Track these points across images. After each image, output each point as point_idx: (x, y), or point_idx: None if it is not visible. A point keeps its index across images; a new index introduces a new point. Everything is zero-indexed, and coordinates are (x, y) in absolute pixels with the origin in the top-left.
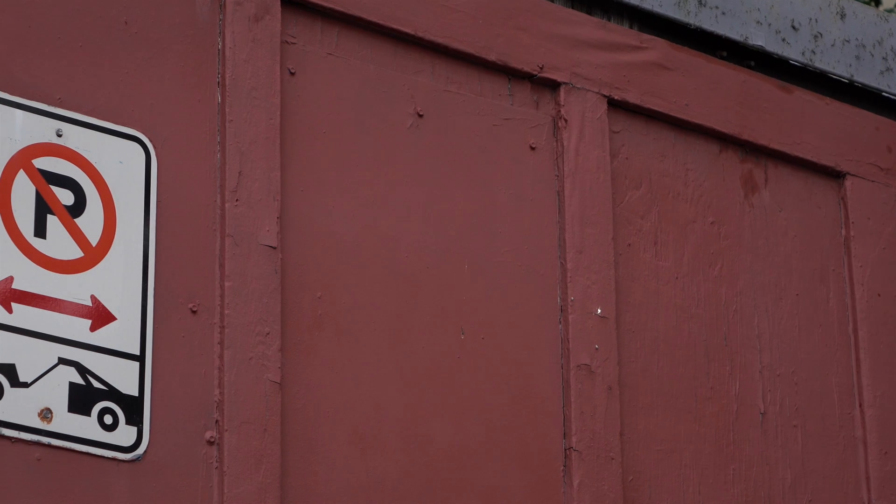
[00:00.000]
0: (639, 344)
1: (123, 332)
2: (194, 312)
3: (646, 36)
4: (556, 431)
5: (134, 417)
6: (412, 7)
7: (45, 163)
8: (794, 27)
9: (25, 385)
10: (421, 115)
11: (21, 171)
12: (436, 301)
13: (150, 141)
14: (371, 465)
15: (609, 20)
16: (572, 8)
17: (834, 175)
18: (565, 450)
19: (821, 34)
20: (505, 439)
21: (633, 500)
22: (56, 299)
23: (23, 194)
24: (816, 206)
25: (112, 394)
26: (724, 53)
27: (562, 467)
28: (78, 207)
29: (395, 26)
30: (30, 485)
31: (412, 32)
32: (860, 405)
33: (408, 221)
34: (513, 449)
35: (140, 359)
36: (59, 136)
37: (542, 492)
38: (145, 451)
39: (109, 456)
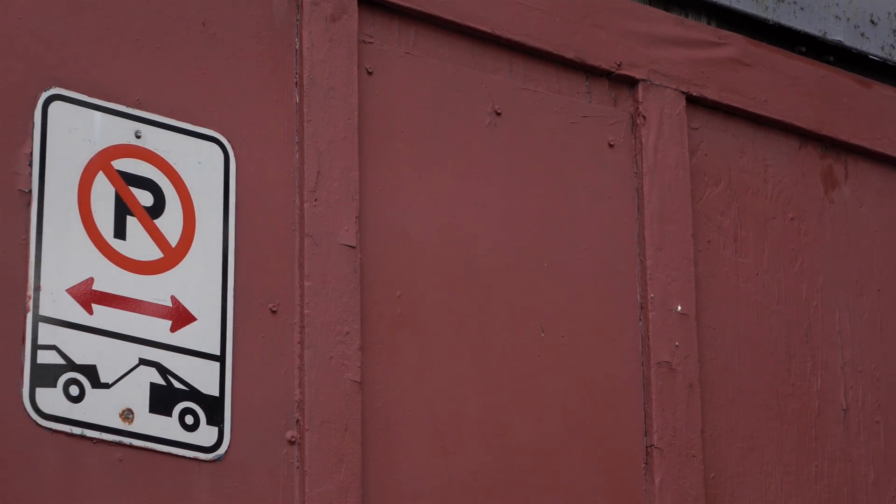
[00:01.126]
0: (719, 341)
1: (204, 333)
2: (274, 312)
3: (724, 32)
4: (637, 429)
5: (215, 417)
6: (489, 5)
7: (124, 164)
8: (872, 21)
9: (107, 386)
10: (499, 114)
11: (100, 172)
12: (515, 299)
13: (229, 141)
14: (451, 464)
15: (687, 17)
16: (650, 5)
17: None
18: (646, 447)
19: None
20: (586, 437)
21: (715, 497)
22: (136, 300)
23: (102, 196)
24: None
25: (193, 394)
26: (803, 49)
27: (643, 465)
28: (157, 208)
29: (472, 25)
30: (112, 485)
31: (489, 31)
32: None
33: (486, 220)
34: (593, 447)
35: (220, 359)
36: (138, 137)
37: (623, 489)
38: (226, 451)
39: (191, 456)
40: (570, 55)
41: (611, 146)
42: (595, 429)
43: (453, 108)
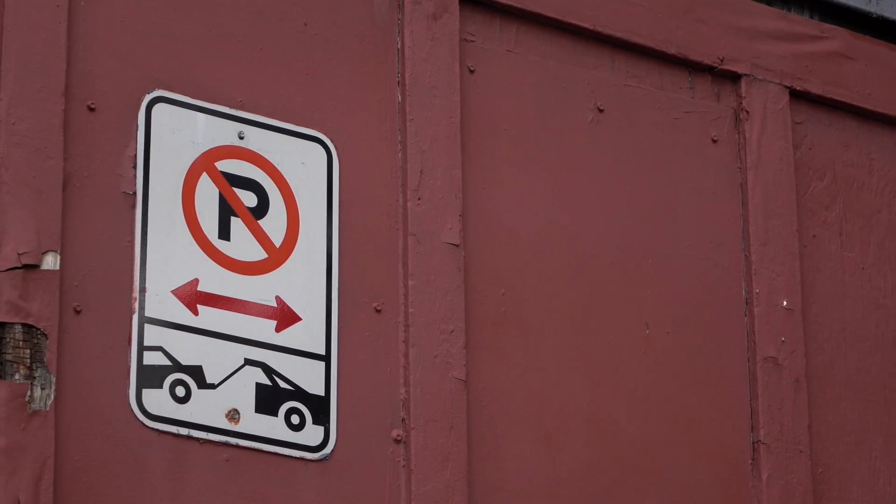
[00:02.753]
0: (825, 335)
1: (309, 333)
2: (379, 311)
3: (826, 25)
4: (744, 425)
5: (321, 417)
6: (591, 2)
7: (227, 165)
8: None
9: (213, 386)
10: (601, 110)
11: (204, 173)
12: (619, 296)
13: (332, 141)
14: (557, 461)
15: (789, 11)
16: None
17: None
18: (753, 443)
19: None
20: (692, 433)
21: (823, 493)
22: (241, 301)
23: (206, 197)
24: None
25: (299, 394)
26: None
27: (750, 461)
28: (261, 209)
29: (574, 21)
30: (218, 485)
31: (591, 27)
32: None
33: (590, 216)
34: (700, 443)
35: (326, 358)
36: (241, 138)
37: (731, 485)
38: (332, 451)
39: (297, 456)
40: (672, 51)
41: (714, 141)
42: (701, 425)
43: (556, 105)
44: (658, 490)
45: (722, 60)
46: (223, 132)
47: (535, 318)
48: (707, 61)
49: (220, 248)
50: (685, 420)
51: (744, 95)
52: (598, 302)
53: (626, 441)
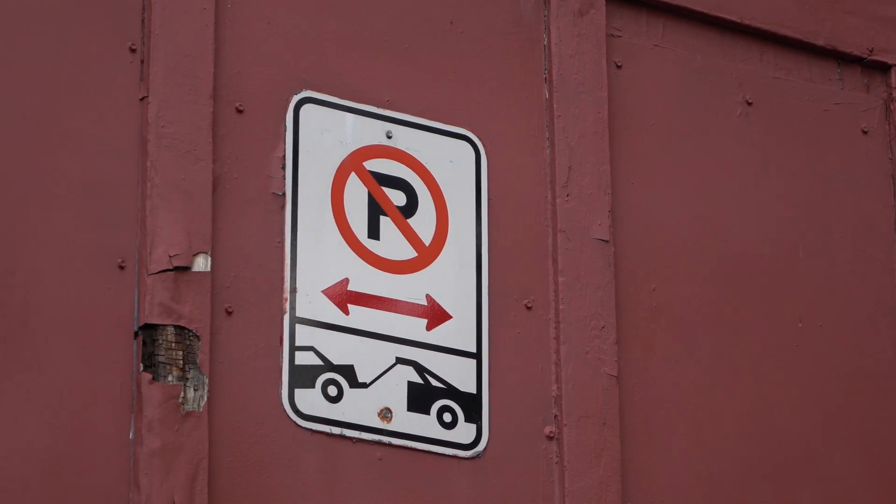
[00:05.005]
0: None
1: (459, 331)
2: (529, 308)
3: None
4: None
5: (473, 415)
6: None
7: (376, 165)
8: None
9: (364, 386)
10: (750, 103)
11: (353, 173)
12: (771, 289)
13: (480, 139)
14: (710, 457)
15: None
16: None
17: None
18: None
19: None
20: (847, 428)
21: None
22: (391, 299)
23: (355, 197)
24: None
25: (450, 392)
26: None
27: None
28: (410, 208)
29: (721, 15)
30: (372, 484)
31: (739, 20)
32: None
33: (740, 210)
34: (855, 438)
35: (477, 356)
36: (389, 137)
37: (888, 481)
38: (485, 448)
39: (450, 454)
40: (820, 42)
41: (864, 133)
42: (857, 419)
43: (704, 98)
44: (813, 486)
45: (871, 51)
46: (371, 132)
47: (687, 313)
48: (856, 52)
49: (369, 248)
50: (840, 414)
51: (894, 86)
52: (750, 296)
53: (780, 436)
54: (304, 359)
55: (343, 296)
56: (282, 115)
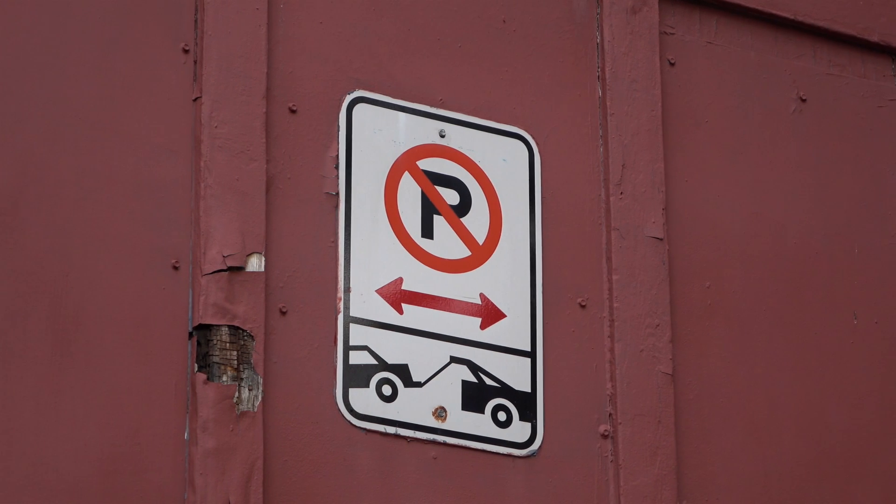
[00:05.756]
0: None
1: (513, 329)
2: (583, 307)
3: None
4: None
5: (527, 413)
6: None
7: (429, 164)
8: None
9: (419, 385)
10: (804, 100)
11: (406, 173)
12: (826, 286)
13: (533, 138)
14: (766, 455)
15: None
16: None
17: None
18: None
19: None
20: None
21: None
22: (445, 299)
23: (409, 196)
24: None
25: (505, 391)
26: None
27: None
28: (463, 207)
29: (774, 12)
30: (426, 483)
31: (792, 17)
32: None
33: (794, 207)
34: None
35: (531, 355)
36: (442, 136)
37: None
38: (540, 447)
39: (504, 452)
40: (875, 38)
41: None
42: None
43: (757, 95)
44: (869, 482)
45: None
46: (424, 131)
47: (741, 311)
48: None
49: (423, 247)
50: (895, 409)
51: None
52: (804, 293)
53: (836, 433)
54: (358, 358)
55: (397, 295)
56: (335, 114)
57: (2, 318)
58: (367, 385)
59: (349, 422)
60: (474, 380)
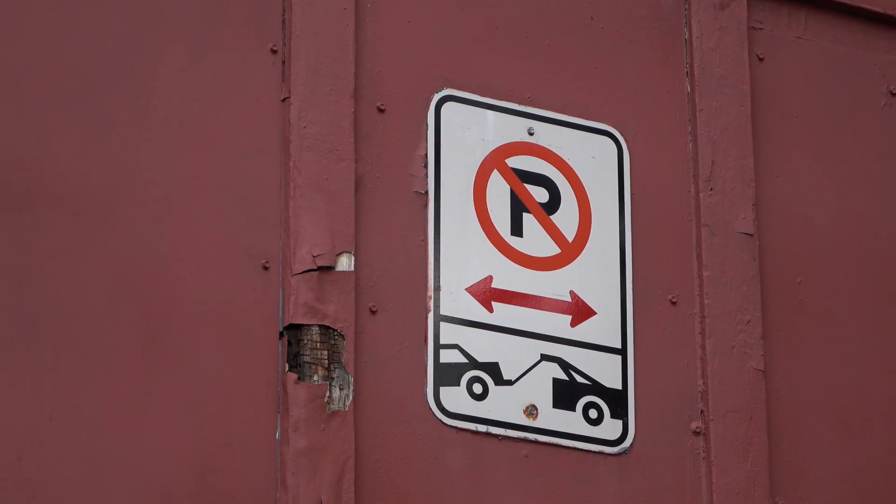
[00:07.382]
0: None
1: (604, 327)
2: (674, 303)
3: None
4: None
5: (618, 411)
6: None
7: (518, 162)
8: None
9: (509, 383)
10: (894, 94)
11: (495, 171)
12: None
13: (622, 134)
14: (858, 450)
15: None
16: None
17: None
18: None
19: None
20: None
21: None
22: (535, 296)
23: (498, 194)
24: None
25: (596, 388)
26: None
27: None
28: (553, 204)
29: (863, 6)
30: (518, 481)
31: (881, 11)
32: None
33: (885, 201)
34: None
35: (622, 352)
36: (531, 134)
37: None
38: (631, 444)
39: (596, 450)
40: None
41: None
42: None
43: (847, 90)
44: None
45: None
46: (512, 129)
47: (833, 306)
48: None
49: (512, 245)
50: None
51: None
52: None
53: None
54: (448, 357)
55: (487, 293)
56: (423, 113)
57: (93, 320)
58: (457, 384)
59: (440, 420)
60: (565, 377)
